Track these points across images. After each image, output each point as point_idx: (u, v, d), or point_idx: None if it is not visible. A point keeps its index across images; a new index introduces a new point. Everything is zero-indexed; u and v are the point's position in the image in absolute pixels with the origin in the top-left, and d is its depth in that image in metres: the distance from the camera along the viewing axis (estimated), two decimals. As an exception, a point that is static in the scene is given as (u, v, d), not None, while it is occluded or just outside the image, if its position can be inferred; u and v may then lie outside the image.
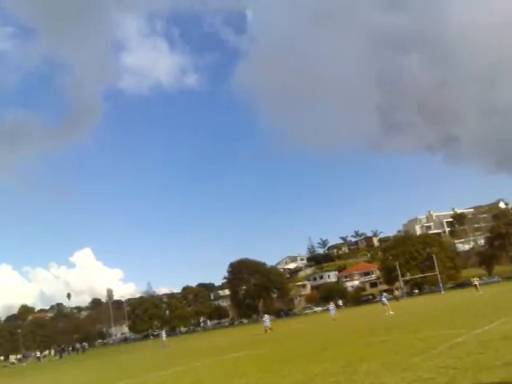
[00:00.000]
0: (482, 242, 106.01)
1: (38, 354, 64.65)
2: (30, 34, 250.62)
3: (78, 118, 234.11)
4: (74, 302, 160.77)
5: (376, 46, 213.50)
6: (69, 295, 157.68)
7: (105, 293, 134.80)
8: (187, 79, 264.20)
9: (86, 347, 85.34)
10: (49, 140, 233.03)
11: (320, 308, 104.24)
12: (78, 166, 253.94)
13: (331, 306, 47.52)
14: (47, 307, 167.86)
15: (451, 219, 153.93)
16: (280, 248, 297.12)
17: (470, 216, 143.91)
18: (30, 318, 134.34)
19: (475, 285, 50.38)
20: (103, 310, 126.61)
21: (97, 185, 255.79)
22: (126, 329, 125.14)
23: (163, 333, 51.96)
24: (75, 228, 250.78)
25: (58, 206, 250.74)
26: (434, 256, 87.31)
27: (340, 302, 77.36)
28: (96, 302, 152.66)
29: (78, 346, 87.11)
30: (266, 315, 46.39)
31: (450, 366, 8.91)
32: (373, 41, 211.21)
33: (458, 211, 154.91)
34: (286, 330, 39.93)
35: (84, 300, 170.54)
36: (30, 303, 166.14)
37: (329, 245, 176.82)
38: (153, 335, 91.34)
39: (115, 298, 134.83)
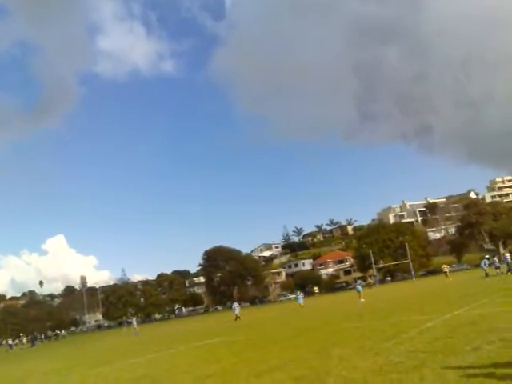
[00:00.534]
0: (452, 230, 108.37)
1: (10, 341, 63.55)
2: (3, 15, 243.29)
3: (51, 102, 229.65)
4: (46, 290, 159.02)
5: (355, 35, 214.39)
6: (41, 283, 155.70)
7: (78, 280, 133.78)
8: (164, 65, 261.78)
9: (60, 334, 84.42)
10: (21, 124, 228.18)
11: (294, 295, 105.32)
12: (52, 152, 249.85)
13: (300, 294, 48.13)
14: (19, 295, 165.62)
15: (424, 208, 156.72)
16: (255, 236, 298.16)
17: (441, 205, 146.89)
18: (1, 305, 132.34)
19: (445, 272, 51.50)
20: (76, 297, 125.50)
21: (70, 171, 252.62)
22: (99, 316, 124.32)
23: (134, 320, 51.94)
24: (47, 215, 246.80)
25: (29, 192, 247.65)
26: (406, 244, 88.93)
27: (316, 289, 78.19)
28: (69, 290, 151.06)
29: (50, 333, 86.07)
30: (235, 303, 46.50)
31: (420, 350, 9.14)
32: (352, 30, 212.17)
33: (431, 201, 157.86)
34: (260, 317, 40.20)
35: (57, 287, 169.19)
36: (0, 291, 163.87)
37: (304, 233, 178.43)
38: (127, 322, 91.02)
39: (89, 285, 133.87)
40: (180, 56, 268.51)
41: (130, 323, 60.37)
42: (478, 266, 46.55)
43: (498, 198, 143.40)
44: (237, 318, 38.94)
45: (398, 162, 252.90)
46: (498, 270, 40.87)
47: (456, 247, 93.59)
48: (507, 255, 43.29)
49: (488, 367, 6.66)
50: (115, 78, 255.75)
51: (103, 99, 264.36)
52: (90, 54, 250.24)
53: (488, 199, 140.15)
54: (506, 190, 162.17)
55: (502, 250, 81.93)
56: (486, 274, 40.51)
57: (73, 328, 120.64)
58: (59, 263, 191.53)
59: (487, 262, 42.47)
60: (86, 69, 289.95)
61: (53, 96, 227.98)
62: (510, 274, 39.02)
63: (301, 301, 43.85)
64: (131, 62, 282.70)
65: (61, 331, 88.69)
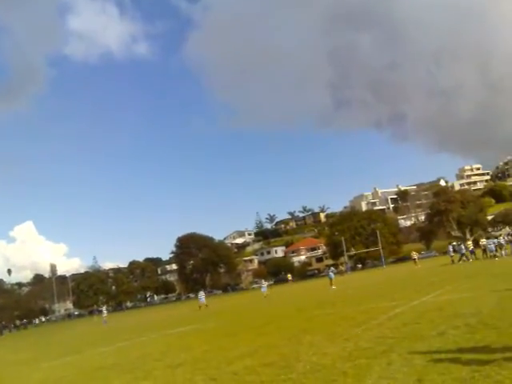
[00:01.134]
0: (422, 218, 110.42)
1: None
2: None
3: (20, 84, 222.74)
4: (14, 278, 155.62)
5: (329, 21, 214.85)
6: (9, 271, 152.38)
7: (48, 268, 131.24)
8: (138, 48, 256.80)
9: (29, 324, 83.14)
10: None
11: (267, 283, 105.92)
12: (20, 135, 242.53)
13: (264, 283, 48.21)
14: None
15: (395, 196, 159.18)
16: (228, 223, 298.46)
17: (412, 193, 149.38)
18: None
19: (414, 259, 52.58)
20: (46, 285, 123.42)
21: (39, 155, 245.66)
22: (70, 305, 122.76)
23: (104, 308, 51.62)
24: (15, 200, 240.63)
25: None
26: (377, 232, 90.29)
27: (289, 277, 78.82)
28: (38, 278, 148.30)
29: (18, 322, 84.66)
30: (201, 292, 45.93)
31: (388, 335, 9.29)
32: (326, 16, 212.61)
33: (402, 188, 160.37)
34: (232, 305, 40.35)
35: (26, 276, 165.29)
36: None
37: (276, 220, 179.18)
38: (98, 311, 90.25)
39: (59, 273, 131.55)
40: (154, 38, 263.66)
41: (100, 311, 59.88)
42: (445, 253, 47.72)
43: (466, 186, 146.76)
44: (201, 306, 38.48)
45: (370, 150, 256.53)
46: (463, 257, 41.97)
47: (425, 234, 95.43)
48: (462, 246, 44.49)
49: (453, 352, 6.80)
50: (87, 60, 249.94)
51: (74, 82, 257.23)
52: (60, 34, 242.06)
53: (457, 187, 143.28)
54: (474, 178, 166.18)
55: (468, 237, 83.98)
56: (453, 261, 41.60)
57: (42, 317, 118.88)
58: (28, 251, 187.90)
59: (451, 249, 43.62)
60: (56, 50, 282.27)
61: (21, 78, 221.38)
62: (471, 260, 40.25)
63: (264, 289, 43.47)
64: (103, 43, 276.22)
65: (30, 320, 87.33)
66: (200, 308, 37.94)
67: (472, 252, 43.03)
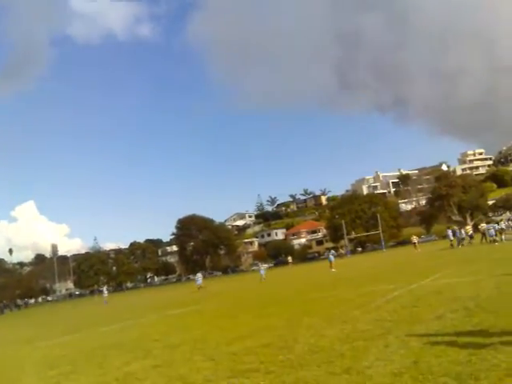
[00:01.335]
0: (423, 202, 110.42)
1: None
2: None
3: (22, 65, 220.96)
4: (16, 258, 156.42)
5: (334, 3, 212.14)
6: (10, 250, 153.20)
7: (49, 248, 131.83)
8: (141, 29, 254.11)
9: (30, 303, 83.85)
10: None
11: (267, 265, 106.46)
12: (22, 116, 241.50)
13: (262, 266, 48.13)
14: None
15: (397, 180, 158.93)
16: (229, 205, 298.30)
17: (414, 177, 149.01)
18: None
19: (414, 243, 52.67)
20: (47, 265, 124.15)
21: (41, 136, 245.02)
22: (71, 285, 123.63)
23: (105, 289, 52.03)
24: (17, 180, 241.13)
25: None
26: (378, 215, 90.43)
27: (290, 259, 79.17)
28: (40, 258, 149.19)
29: (19, 301, 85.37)
30: (198, 273, 46.03)
31: (386, 318, 9.34)
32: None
33: (404, 172, 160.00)
34: (232, 287, 40.60)
35: (27, 256, 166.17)
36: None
37: (277, 202, 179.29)
38: (99, 291, 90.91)
39: (60, 253, 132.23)
40: (157, 19, 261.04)
41: (101, 292, 60.36)
42: (445, 237, 47.80)
43: (468, 171, 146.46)
44: (199, 288, 38.65)
45: (373, 133, 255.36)
46: (462, 242, 42.07)
47: (426, 218, 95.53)
48: (462, 231, 44.60)
49: (451, 335, 6.84)
50: (89, 41, 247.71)
51: (76, 62, 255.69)
52: (63, 14, 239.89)
53: (459, 172, 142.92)
54: (476, 163, 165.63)
55: (469, 221, 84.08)
56: (452, 245, 41.71)
57: (43, 296, 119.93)
58: (29, 231, 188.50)
59: (451, 233, 43.67)
60: (58, 30, 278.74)
61: (24, 58, 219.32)
62: (467, 244, 40.48)
63: (262, 272, 43.12)
64: (106, 24, 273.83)
65: (31, 300, 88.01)
66: (198, 290, 38.13)
67: (471, 237, 43.16)
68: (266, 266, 51.24)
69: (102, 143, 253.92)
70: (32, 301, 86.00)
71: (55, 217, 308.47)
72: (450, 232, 44.22)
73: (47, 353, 12.72)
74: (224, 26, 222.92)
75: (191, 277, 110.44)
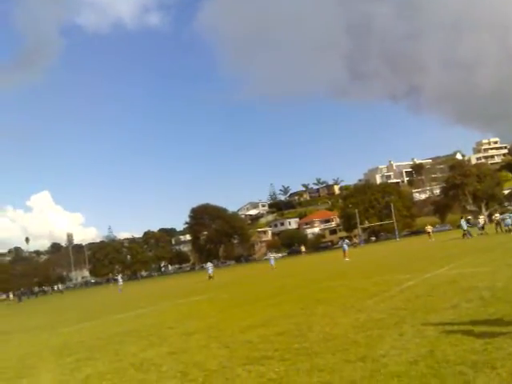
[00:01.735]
0: (437, 191, 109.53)
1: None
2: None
3: (33, 55, 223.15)
4: (32, 247, 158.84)
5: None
6: (27, 239, 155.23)
7: (65, 237, 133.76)
8: (150, 18, 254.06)
9: (48, 290, 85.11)
10: (1, 77, 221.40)
11: (280, 254, 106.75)
12: (35, 106, 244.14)
13: (271, 255, 48.46)
14: (4, 251, 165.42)
15: (410, 169, 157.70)
16: (242, 194, 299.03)
17: (428, 166, 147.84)
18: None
19: (428, 232, 52.31)
20: (63, 254, 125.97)
21: (54, 125, 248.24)
22: (86, 273, 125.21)
23: (119, 277, 52.64)
24: (32, 171, 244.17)
25: (13, 148, 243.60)
26: (391, 205, 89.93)
27: (303, 248, 79.31)
28: (55, 247, 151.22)
29: (37, 289, 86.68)
30: (209, 263, 46.32)
31: (401, 307, 9.33)
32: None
33: (417, 161, 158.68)
34: (246, 275, 40.76)
35: (43, 244, 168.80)
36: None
37: (290, 192, 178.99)
38: (114, 279, 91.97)
39: (75, 242, 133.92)
40: (166, 9, 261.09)
41: (116, 280, 61.05)
42: (459, 226, 47.34)
43: (483, 160, 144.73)
44: (210, 277, 38.76)
45: (386, 122, 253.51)
46: (480, 231, 41.67)
47: (440, 208, 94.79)
48: (480, 220, 44.29)
49: (466, 324, 6.82)
50: (99, 31, 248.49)
51: (86, 52, 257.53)
52: (72, 3, 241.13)
53: (473, 161, 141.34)
54: (491, 152, 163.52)
55: (484, 211, 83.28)
56: (464, 235, 41.23)
57: (60, 285, 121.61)
58: (45, 220, 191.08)
59: (464, 223, 43.25)
60: (68, 20, 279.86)
61: (34, 48, 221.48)
62: (479, 235, 40.08)
63: (272, 262, 43.68)
64: (116, 13, 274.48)
65: (48, 287, 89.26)
66: (209, 279, 38.28)
67: (482, 228, 42.86)
68: (275, 255, 51.49)
69: (115, 132, 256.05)
70: (49, 288, 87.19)
71: (70, 206, 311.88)
72: (463, 221, 43.82)
73: (64, 339, 12.93)
74: (233, 16, 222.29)
75: (205, 266, 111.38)
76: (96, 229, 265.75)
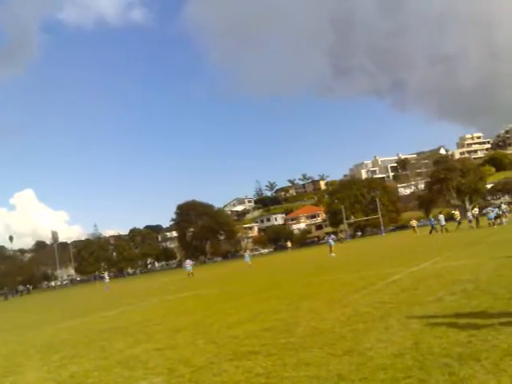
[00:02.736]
0: (422, 186, 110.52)
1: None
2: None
3: (13, 50, 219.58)
4: (16, 245, 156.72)
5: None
6: (11, 238, 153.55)
7: (49, 235, 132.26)
8: (134, 13, 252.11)
9: (31, 289, 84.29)
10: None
11: (266, 250, 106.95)
12: (17, 102, 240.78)
13: (247, 252, 48.39)
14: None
15: (395, 164, 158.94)
16: (228, 190, 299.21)
17: (412, 161, 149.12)
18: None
19: (413, 227, 52.83)
20: (48, 252, 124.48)
21: (37, 122, 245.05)
22: (72, 271, 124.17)
23: (106, 275, 52.38)
24: (14, 168, 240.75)
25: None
26: (377, 200, 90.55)
27: (289, 244, 79.50)
28: (40, 245, 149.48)
29: (21, 288, 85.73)
30: (188, 260, 46.00)
31: (387, 301, 9.40)
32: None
33: (402, 156, 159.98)
34: (232, 271, 40.75)
35: (27, 243, 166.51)
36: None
37: (276, 188, 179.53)
38: (100, 277, 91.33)
39: (61, 240, 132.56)
40: (150, 4, 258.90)
41: (102, 278, 60.71)
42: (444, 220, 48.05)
43: (466, 155, 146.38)
44: (189, 274, 38.52)
45: (371, 118, 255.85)
46: (470, 224, 42.26)
47: (424, 202, 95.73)
48: (469, 213, 44.93)
49: (450, 317, 6.90)
50: (81, 26, 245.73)
51: (69, 48, 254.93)
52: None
53: (457, 155, 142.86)
54: (474, 147, 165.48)
55: (467, 205, 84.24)
56: (442, 230, 41.77)
57: (45, 283, 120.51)
58: (29, 218, 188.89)
59: (443, 218, 43.85)
60: (49, 15, 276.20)
61: (15, 43, 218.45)
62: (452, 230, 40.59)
63: (247, 259, 43.62)
64: (98, 9, 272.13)
65: (33, 286, 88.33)
66: (188, 276, 37.97)
67: (459, 222, 43.57)
68: (250, 252, 51.71)
69: (99, 129, 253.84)
70: (34, 287, 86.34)
71: (54, 204, 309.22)
72: (441, 216, 44.37)
73: (50, 337, 12.81)
74: (219, 11, 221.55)
75: (183, 264, 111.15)
76: (81, 227, 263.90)
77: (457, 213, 47.20)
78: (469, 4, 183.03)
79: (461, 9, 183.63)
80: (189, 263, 41.73)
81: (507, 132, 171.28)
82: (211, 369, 6.27)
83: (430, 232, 43.49)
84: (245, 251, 54.27)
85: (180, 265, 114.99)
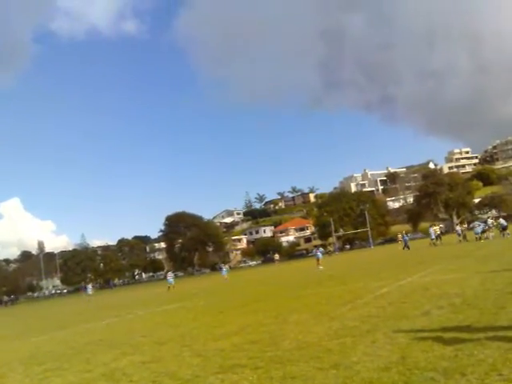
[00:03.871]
0: (411, 199, 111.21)
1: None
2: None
3: (4, 59, 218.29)
4: (1, 255, 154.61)
5: (321, 1, 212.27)
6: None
7: (35, 245, 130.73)
8: (126, 24, 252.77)
9: (16, 300, 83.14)
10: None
11: (255, 262, 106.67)
12: (5, 111, 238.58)
13: (224, 266, 48.23)
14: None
15: (385, 178, 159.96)
16: (217, 202, 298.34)
17: (402, 175, 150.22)
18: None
19: (401, 240, 53.06)
20: (33, 262, 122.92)
21: (25, 132, 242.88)
22: (57, 281, 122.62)
23: (89, 286, 51.82)
24: (0, 177, 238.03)
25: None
26: (366, 213, 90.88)
27: (276, 256, 79.29)
28: (26, 255, 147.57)
29: (6, 298, 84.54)
30: (169, 272, 45.40)
31: (374, 315, 9.39)
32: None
33: (392, 170, 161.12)
34: (220, 283, 40.55)
35: (12, 253, 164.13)
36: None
37: (266, 200, 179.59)
38: (84, 288, 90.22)
39: (47, 250, 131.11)
40: (142, 15, 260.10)
41: (86, 288, 60.11)
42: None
43: (455, 169, 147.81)
44: (169, 287, 37.78)
45: (361, 131, 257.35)
46: (459, 238, 42.61)
47: (413, 216, 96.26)
48: (431, 230, 45.20)
49: (437, 331, 6.90)
50: (73, 37, 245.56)
51: (60, 58, 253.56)
52: (46, 9, 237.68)
53: (446, 170, 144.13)
54: (462, 162, 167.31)
55: (455, 219, 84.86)
56: (433, 243, 42.20)
57: (30, 293, 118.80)
58: (15, 227, 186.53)
59: (433, 231, 44.15)
60: (41, 26, 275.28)
61: (6, 53, 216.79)
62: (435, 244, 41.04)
63: (224, 272, 43.29)
64: (91, 20, 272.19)
65: (17, 297, 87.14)
66: (168, 289, 37.46)
67: (437, 237, 43.73)
68: (227, 266, 51.81)
69: (88, 139, 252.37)
70: (18, 298, 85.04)
71: (41, 213, 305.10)
72: (431, 230, 44.68)
73: (34, 349, 12.62)
74: (211, 22, 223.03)
75: (179, 274, 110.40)
76: (68, 237, 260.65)
77: (436, 228, 47.04)
78: (457, 20, 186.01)
79: (449, 24, 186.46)
80: (170, 275, 41.02)
81: (495, 147, 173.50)
82: (197, 382, 6.21)
83: (403, 248, 44.10)
84: (223, 264, 53.71)
85: (166, 277, 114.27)
